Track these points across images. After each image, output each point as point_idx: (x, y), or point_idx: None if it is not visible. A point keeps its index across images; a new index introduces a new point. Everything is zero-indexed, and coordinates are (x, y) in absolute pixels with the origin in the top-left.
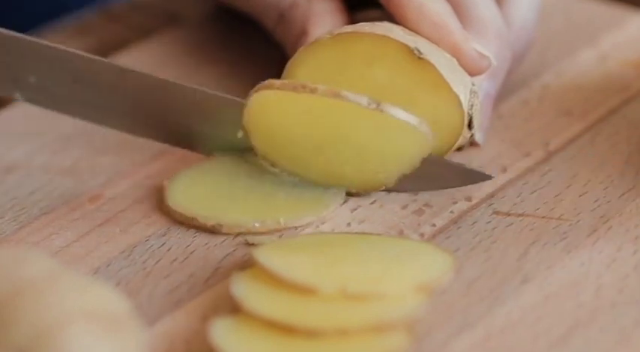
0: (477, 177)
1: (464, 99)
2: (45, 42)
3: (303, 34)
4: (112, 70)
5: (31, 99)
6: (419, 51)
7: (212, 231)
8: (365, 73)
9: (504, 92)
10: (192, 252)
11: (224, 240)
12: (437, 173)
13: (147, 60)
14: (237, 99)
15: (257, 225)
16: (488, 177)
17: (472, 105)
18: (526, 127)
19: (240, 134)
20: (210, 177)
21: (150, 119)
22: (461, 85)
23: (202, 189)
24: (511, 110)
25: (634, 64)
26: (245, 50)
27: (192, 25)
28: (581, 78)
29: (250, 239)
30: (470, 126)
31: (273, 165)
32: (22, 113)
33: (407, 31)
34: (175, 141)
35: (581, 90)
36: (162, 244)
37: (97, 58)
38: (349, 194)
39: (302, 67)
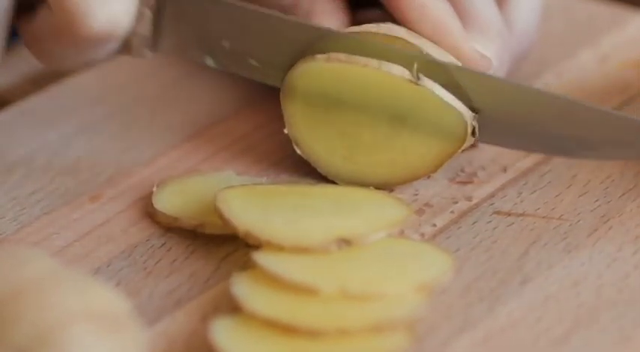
0: None
1: (465, 111)
2: (241, 3)
3: None
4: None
5: (223, 65)
6: (417, 77)
7: (194, 231)
8: (368, 82)
9: None
10: (192, 252)
11: (224, 240)
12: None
13: (147, 60)
14: None
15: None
16: None
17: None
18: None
19: None
20: (198, 187)
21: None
22: None
23: (188, 196)
24: None
25: (634, 64)
26: None
27: None
28: (581, 78)
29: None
30: (474, 133)
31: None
32: (23, 113)
33: (410, 32)
34: None
35: (581, 90)
36: (163, 244)
37: (292, 18)
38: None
39: (301, 78)
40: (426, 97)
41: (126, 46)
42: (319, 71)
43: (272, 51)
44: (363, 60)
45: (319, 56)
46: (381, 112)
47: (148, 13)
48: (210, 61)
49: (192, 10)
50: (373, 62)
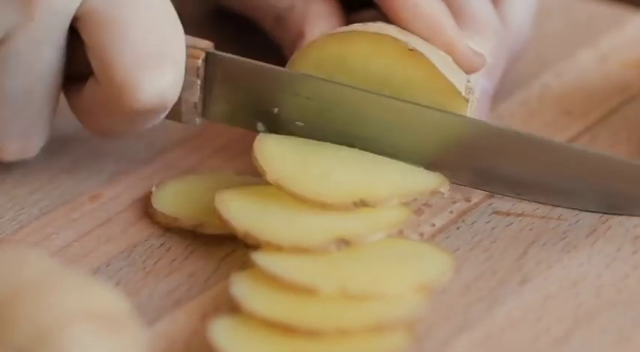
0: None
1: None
2: (296, 72)
3: (300, 35)
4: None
5: (272, 130)
6: (409, 44)
7: (194, 231)
8: (362, 70)
9: (504, 92)
10: (191, 252)
11: (224, 240)
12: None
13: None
14: None
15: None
16: None
17: (468, 102)
18: (526, 127)
19: None
20: (197, 187)
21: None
22: (455, 80)
23: (188, 195)
24: (511, 110)
25: (634, 64)
26: (244, 50)
27: (192, 25)
28: (581, 78)
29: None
30: None
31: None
32: None
33: (400, 29)
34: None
35: (581, 90)
36: (162, 244)
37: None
38: None
39: (300, 69)
40: (418, 73)
41: (175, 113)
42: (319, 57)
43: (319, 114)
44: (360, 28)
45: (317, 39)
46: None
47: (197, 82)
48: (261, 127)
49: (241, 78)
50: (371, 28)
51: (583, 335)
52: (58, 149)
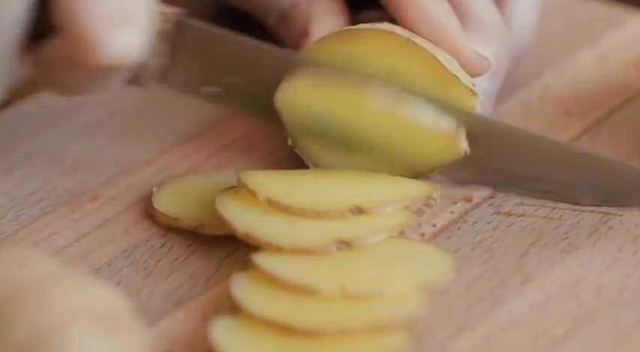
0: None
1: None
2: (245, 39)
3: (304, 34)
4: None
5: (215, 98)
6: (411, 40)
7: (195, 231)
8: (368, 68)
9: (504, 92)
10: (192, 252)
11: (225, 240)
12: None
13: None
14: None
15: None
16: None
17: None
18: (526, 127)
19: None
20: (198, 187)
21: None
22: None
23: (188, 196)
24: (511, 110)
25: (634, 64)
26: None
27: None
28: (581, 78)
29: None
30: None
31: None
32: (23, 113)
33: (407, 31)
34: None
35: (581, 90)
36: (163, 244)
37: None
38: None
39: (307, 66)
40: (426, 71)
41: (135, 77)
42: (326, 55)
43: (257, 80)
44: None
45: (324, 37)
46: (373, 132)
47: (163, 46)
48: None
49: (203, 46)
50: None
51: (584, 335)
52: (58, 149)
